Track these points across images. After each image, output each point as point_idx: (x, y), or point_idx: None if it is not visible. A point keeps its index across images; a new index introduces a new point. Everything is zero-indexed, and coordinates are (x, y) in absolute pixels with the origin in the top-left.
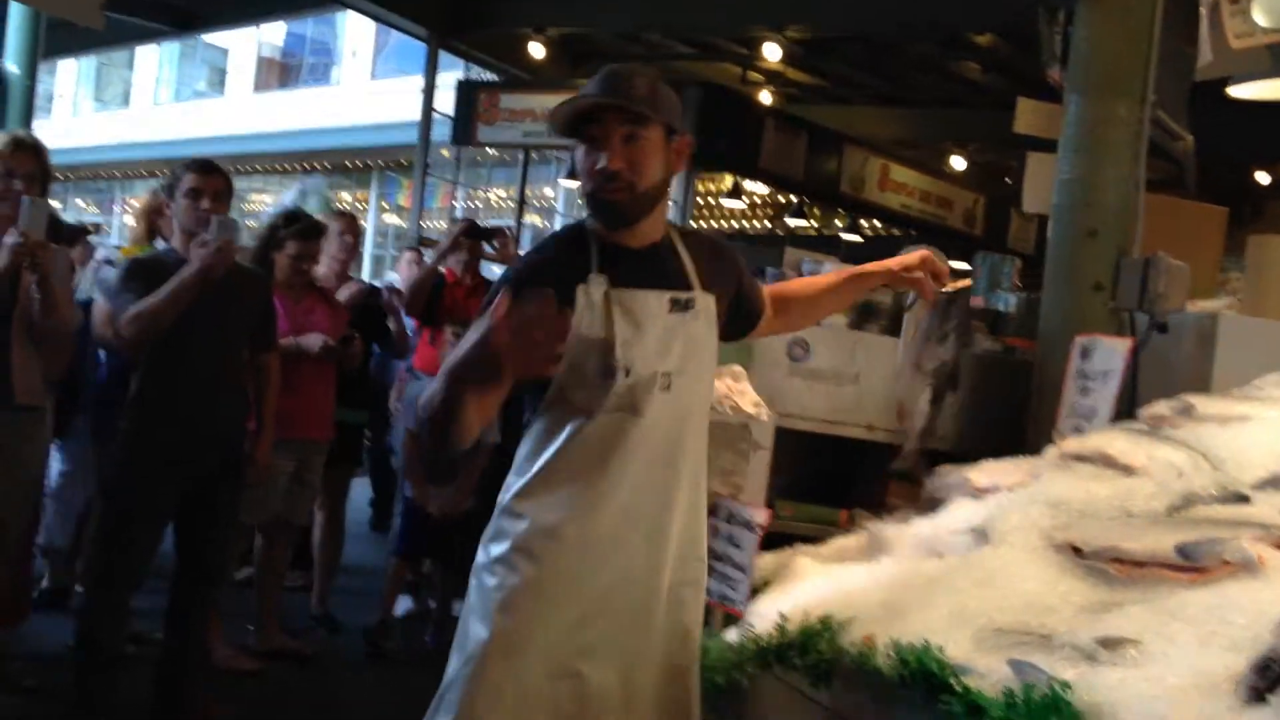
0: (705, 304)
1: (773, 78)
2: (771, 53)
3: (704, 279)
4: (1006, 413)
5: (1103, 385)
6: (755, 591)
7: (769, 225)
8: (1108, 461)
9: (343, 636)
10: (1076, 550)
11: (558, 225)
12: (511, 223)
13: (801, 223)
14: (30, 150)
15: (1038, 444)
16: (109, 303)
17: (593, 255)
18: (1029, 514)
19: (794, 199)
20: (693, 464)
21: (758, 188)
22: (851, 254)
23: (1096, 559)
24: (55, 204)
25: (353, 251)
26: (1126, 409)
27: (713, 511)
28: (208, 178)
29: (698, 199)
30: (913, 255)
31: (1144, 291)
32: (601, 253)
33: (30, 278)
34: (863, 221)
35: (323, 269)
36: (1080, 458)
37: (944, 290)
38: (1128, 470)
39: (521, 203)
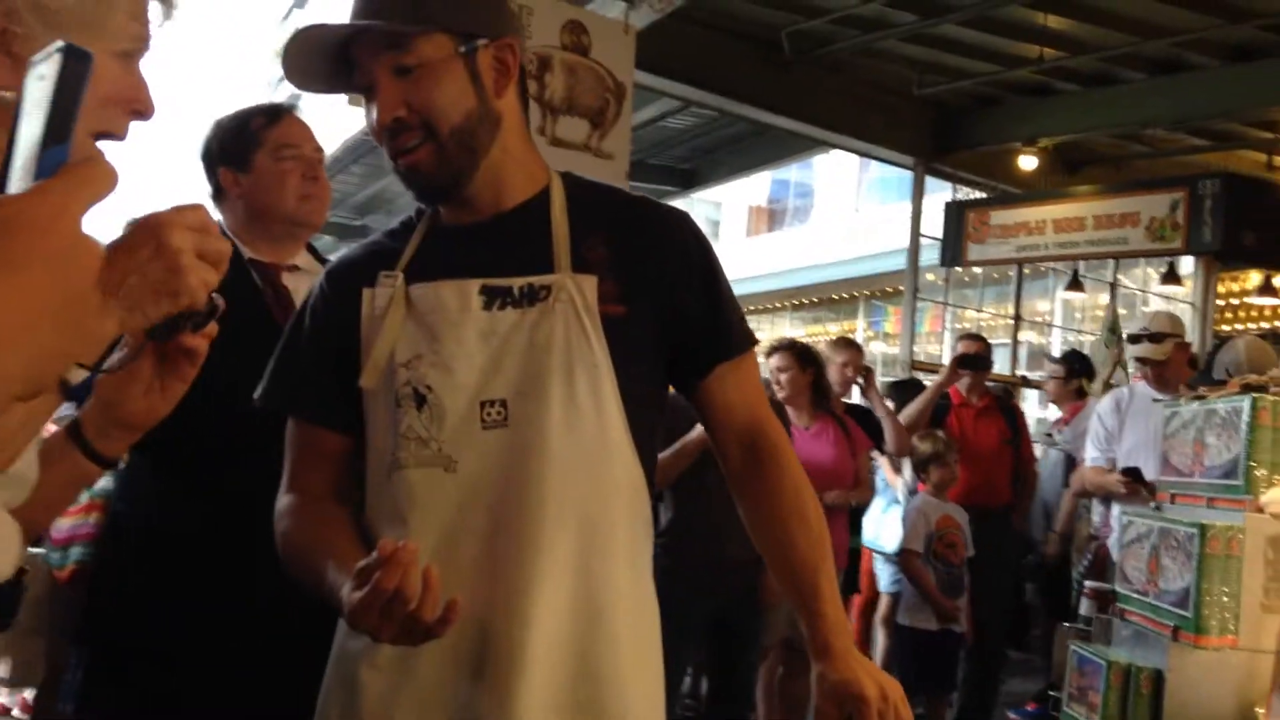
0: (573, 291)
1: None
2: None
3: (589, 257)
4: None
5: None
6: None
7: None
8: None
9: None
10: None
11: (1056, 341)
12: (1007, 341)
13: None
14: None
15: None
16: None
17: (409, 242)
18: None
19: None
20: (571, 546)
21: None
22: None
23: None
24: None
25: (849, 385)
26: None
27: None
28: None
29: (1219, 300)
30: None
31: None
32: (426, 237)
33: None
34: None
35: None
36: None
37: None
38: None
39: (1017, 319)
